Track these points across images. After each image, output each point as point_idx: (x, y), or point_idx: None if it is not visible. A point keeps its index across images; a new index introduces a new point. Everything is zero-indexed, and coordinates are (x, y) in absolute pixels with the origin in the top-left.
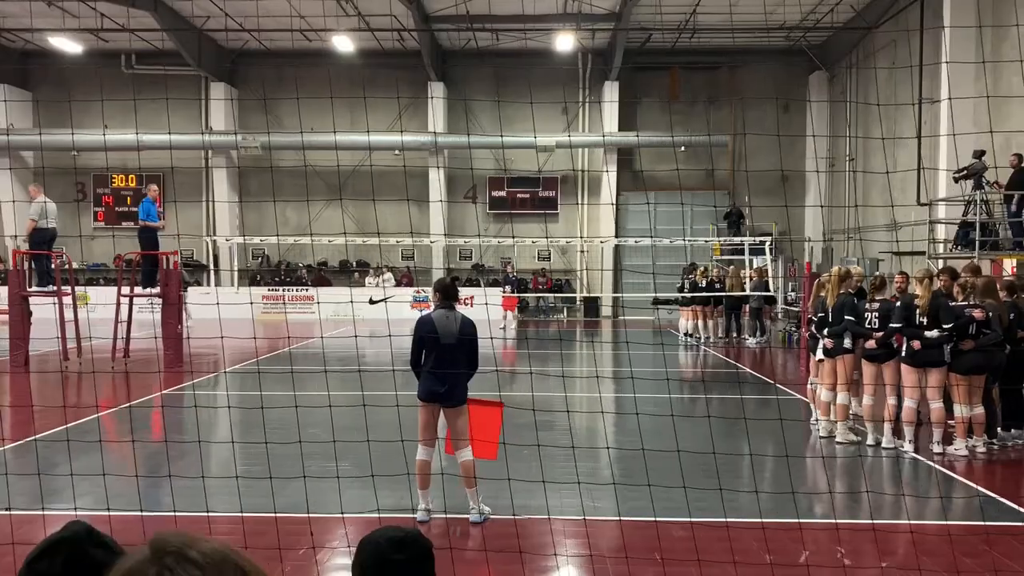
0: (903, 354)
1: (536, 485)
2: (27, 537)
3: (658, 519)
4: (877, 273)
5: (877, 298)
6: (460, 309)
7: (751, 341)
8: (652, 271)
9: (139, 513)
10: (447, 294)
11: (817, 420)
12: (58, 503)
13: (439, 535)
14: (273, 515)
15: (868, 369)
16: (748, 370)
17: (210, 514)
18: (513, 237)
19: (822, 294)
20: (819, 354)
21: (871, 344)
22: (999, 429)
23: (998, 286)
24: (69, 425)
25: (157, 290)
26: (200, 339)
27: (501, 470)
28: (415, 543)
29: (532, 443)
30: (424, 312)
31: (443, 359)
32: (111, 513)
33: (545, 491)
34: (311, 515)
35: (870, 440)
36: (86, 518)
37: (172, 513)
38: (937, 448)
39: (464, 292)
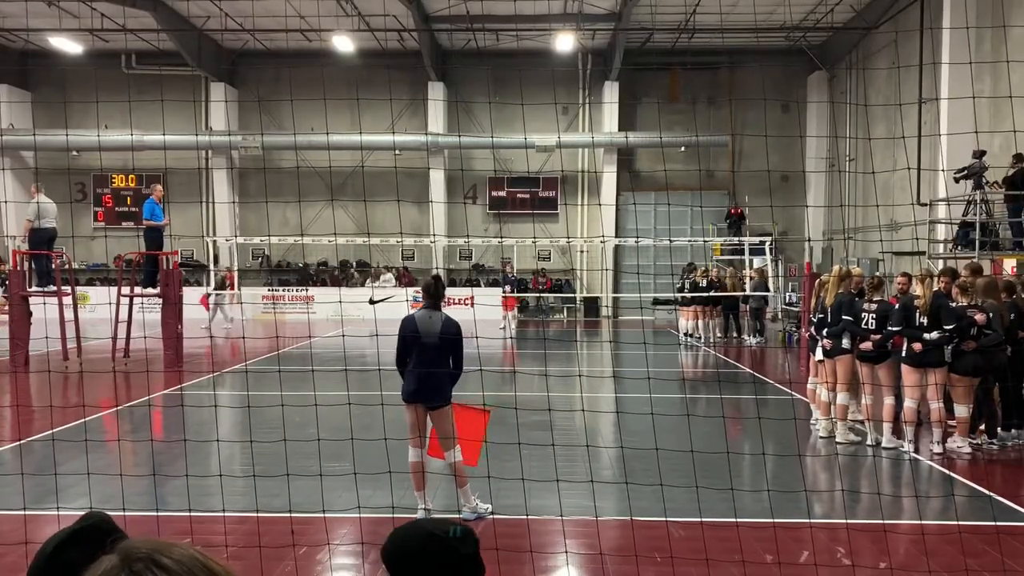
0: (903, 355)
1: (534, 485)
2: (19, 537)
3: (658, 518)
4: (876, 274)
5: (874, 299)
6: (461, 309)
7: (750, 341)
8: (652, 271)
9: (146, 513)
10: (430, 293)
11: (817, 420)
12: (48, 503)
13: None
14: (273, 515)
15: (863, 370)
16: (748, 370)
17: (208, 514)
18: (507, 238)
19: (822, 294)
20: (819, 354)
21: (867, 346)
22: (999, 429)
23: (998, 285)
24: (68, 425)
25: (157, 290)
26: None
27: (498, 470)
28: (472, 536)
29: (528, 443)
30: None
31: (425, 359)
32: (108, 513)
33: (552, 491)
34: (310, 515)
35: (870, 440)
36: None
37: (175, 513)
38: (937, 448)
39: (464, 292)
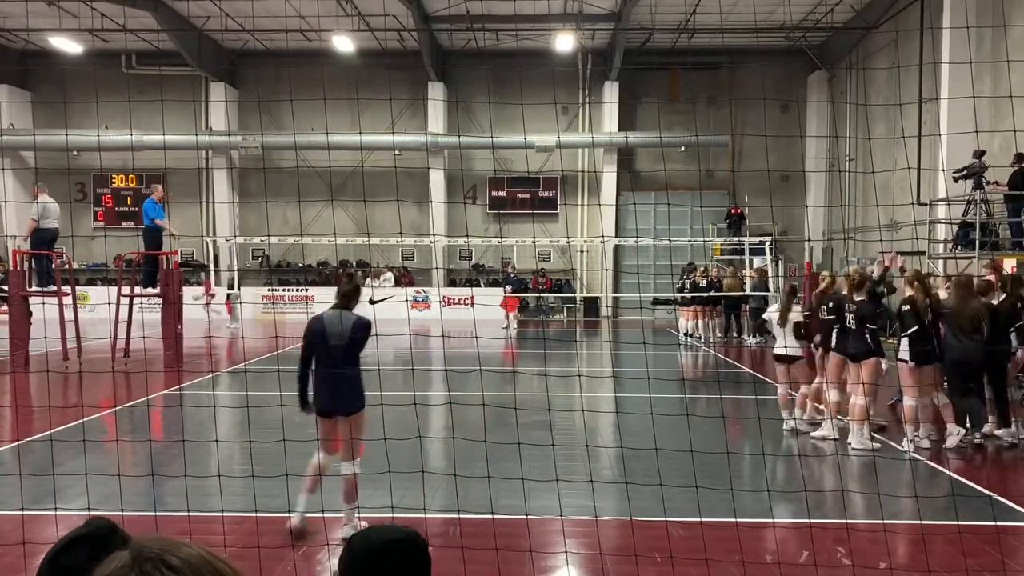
0: (898, 354)
1: (534, 485)
2: (18, 537)
3: (658, 518)
4: (870, 268)
5: (856, 298)
6: (460, 309)
7: (750, 341)
8: (652, 271)
9: (145, 513)
10: (341, 293)
11: (788, 421)
12: (47, 504)
13: (435, 535)
14: (272, 515)
15: (851, 368)
16: (748, 370)
17: (207, 514)
18: (507, 238)
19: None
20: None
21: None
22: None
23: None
24: (67, 425)
25: (157, 290)
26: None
27: (498, 470)
28: (406, 545)
29: (528, 443)
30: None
31: (332, 363)
32: (107, 513)
33: (552, 491)
34: (309, 515)
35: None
36: (79, 518)
37: (174, 514)
38: (925, 443)
39: (464, 292)
